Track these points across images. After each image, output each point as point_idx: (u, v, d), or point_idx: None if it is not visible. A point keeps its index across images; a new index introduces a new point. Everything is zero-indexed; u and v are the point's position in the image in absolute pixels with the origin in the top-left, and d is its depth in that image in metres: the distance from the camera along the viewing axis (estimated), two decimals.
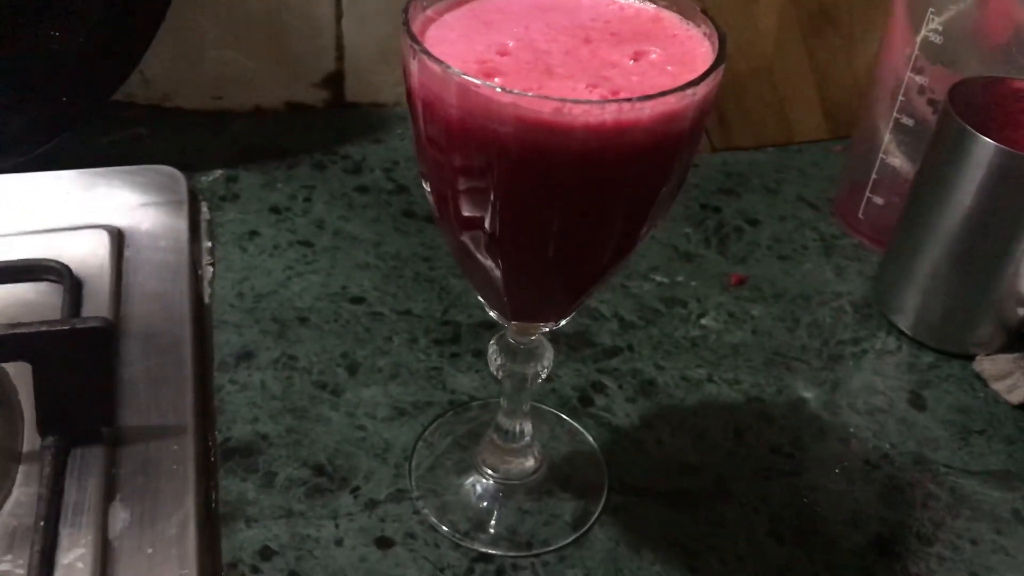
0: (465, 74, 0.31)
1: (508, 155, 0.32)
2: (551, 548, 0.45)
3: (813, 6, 0.69)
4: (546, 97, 0.31)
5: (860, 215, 0.65)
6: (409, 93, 0.35)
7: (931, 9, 0.57)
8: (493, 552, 0.45)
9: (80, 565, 0.40)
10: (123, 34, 0.60)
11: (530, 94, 0.31)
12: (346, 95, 0.72)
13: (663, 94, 0.31)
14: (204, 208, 0.62)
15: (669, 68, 0.34)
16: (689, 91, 0.31)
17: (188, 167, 0.63)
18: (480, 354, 0.54)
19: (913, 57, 0.58)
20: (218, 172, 0.65)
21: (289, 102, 0.72)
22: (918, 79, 0.59)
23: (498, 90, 0.31)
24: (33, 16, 0.58)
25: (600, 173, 0.33)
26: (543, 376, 0.44)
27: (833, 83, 0.73)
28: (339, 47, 0.70)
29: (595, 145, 0.31)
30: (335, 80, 0.72)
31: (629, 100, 0.31)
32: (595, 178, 0.33)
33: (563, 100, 0.30)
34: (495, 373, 0.44)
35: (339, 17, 0.69)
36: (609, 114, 0.31)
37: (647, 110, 0.31)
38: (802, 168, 0.71)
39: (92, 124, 0.65)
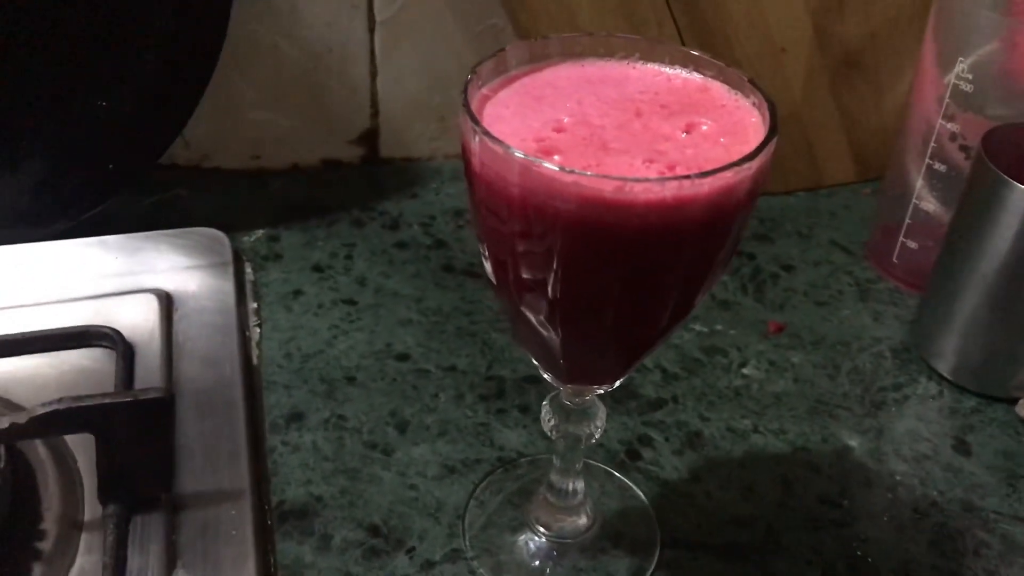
0: (527, 154, 0.32)
1: (569, 230, 0.33)
2: None
3: (840, 54, 0.70)
4: (607, 176, 0.32)
5: (894, 259, 0.65)
6: (468, 169, 0.35)
7: (960, 56, 0.58)
8: None
9: None
10: (168, 101, 0.62)
11: (590, 173, 0.32)
12: (380, 151, 0.74)
13: (720, 169, 0.32)
14: (248, 269, 0.63)
15: (722, 140, 0.35)
16: (746, 165, 0.32)
17: (229, 227, 0.64)
18: (526, 409, 0.54)
19: (944, 104, 0.59)
20: (259, 232, 0.66)
21: (325, 159, 0.73)
22: (949, 126, 0.59)
23: (559, 169, 0.32)
24: (81, 89, 0.60)
25: (659, 246, 0.33)
26: (597, 436, 0.44)
27: (861, 127, 0.74)
28: (374, 104, 0.72)
29: (655, 220, 0.32)
30: (370, 137, 0.73)
31: (688, 177, 0.31)
32: (654, 250, 0.34)
33: (624, 179, 0.31)
34: (548, 433, 0.45)
35: (374, 75, 0.70)
36: (669, 191, 0.31)
37: (705, 186, 0.32)
38: (833, 211, 0.72)
39: (136, 186, 0.67)
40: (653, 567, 0.47)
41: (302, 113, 0.71)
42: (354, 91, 0.71)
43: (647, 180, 0.32)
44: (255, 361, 0.56)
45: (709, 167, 0.32)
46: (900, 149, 0.64)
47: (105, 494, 0.45)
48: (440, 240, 0.67)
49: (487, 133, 0.33)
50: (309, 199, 0.70)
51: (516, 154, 0.32)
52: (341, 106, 0.71)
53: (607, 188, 0.31)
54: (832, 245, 0.69)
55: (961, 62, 0.58)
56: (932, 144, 0.61)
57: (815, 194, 0.74)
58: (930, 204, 0.62)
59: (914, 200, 0.63)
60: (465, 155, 0.35)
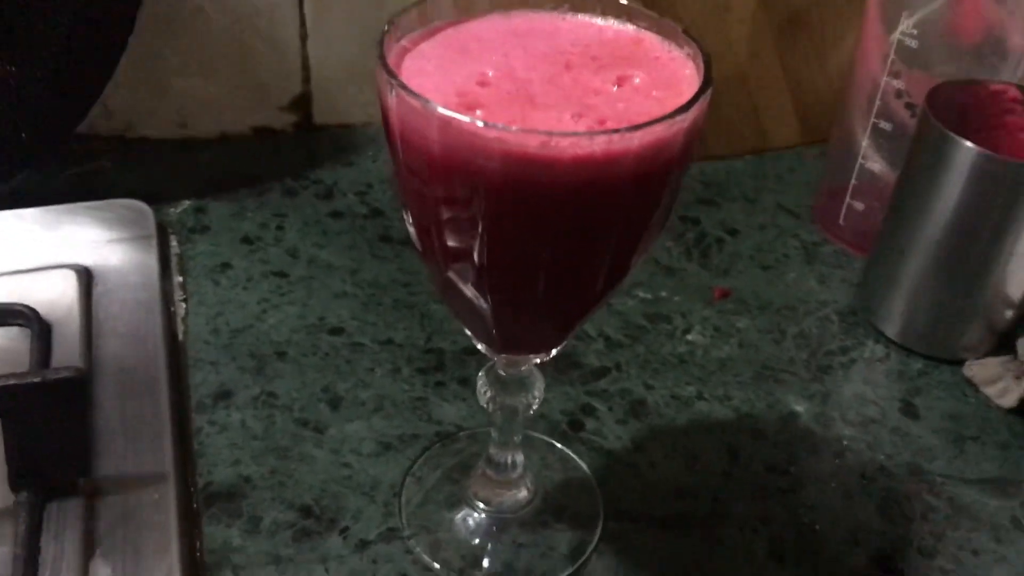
0: (447, 109, 0.30)
1: (494, 189, 0.31)
2: None
3: (784, 13, 0.69)
4: (532, 131, 0.30)
5: (841, 221, 0.64)
6: (387, 127, 0.33)
7: (904, 12, 0.57)
8: None
9: None
10: (83, 66, 0.58)
11: (515, 128, 0.30)
12: (314, 118, 0.71)
13: (652, 123, 0.30)
14: (173, 241, 0.60)
15: (654, 93, 0.33)
16: (679, 118, 0.30)
17: (155, 199, 0.61)
18: (466, 382, 0.53)
19: (889, 61, 0.58)
20: (186, 203, 0.63)
21: (256, 127, 0.70)
22: (895, 83, 0.58)
23: (481, 124, 0.30)
24: None
25: (590, 204, 0.32)
26: (535, 407, 0.43)
27: (806, 88, 0.72)
28: (305, 68, 0.69)
29: (584, 177, 0.30)
30: (302, 103, 0.70)
31: (618, 131, 0.30)
32: (585, 209, 0.32)
33: (550, 133, 0.29)
34: (485, 406, 0.43)
35: (304, 38, 0.68)
36: (598, 146, 0.30)
37: (636, 140, 0.30)
38: (779, 175, 0.71)
39: (54, 159, 0.64)
40: (596, 540, 0.45)
41: (230, 79, 0.68)
42: (284, 55, 0.68)
43: (575, 134, 0.30)
44: (180, 337, 0.54)
45: (641, 121, 0.30)
46: (845, 108, 0.63)
47: (16, 481, 0.43)
48: (377, 209, 0.64)
49: (404, 87, 0.31)
50: (239, 169, 0.67)
51: (435, 109, 0.30)
52: (271, 71, 0.68)
53: (532, 143, 0.29)
54: (778, 209, 0.68)
55: (906, 18, 0.57)
56: (877, 102, 0.60)
57: (761, 157, 0.72)
58: (876, 164, 0.61)
59: (860, 160, 0.62)
60: (383, 111, 0.33)
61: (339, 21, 0.67)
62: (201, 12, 0.65)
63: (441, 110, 0.30)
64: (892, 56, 0.58)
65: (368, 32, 0.68)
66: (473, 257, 0.34)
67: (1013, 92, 0.55)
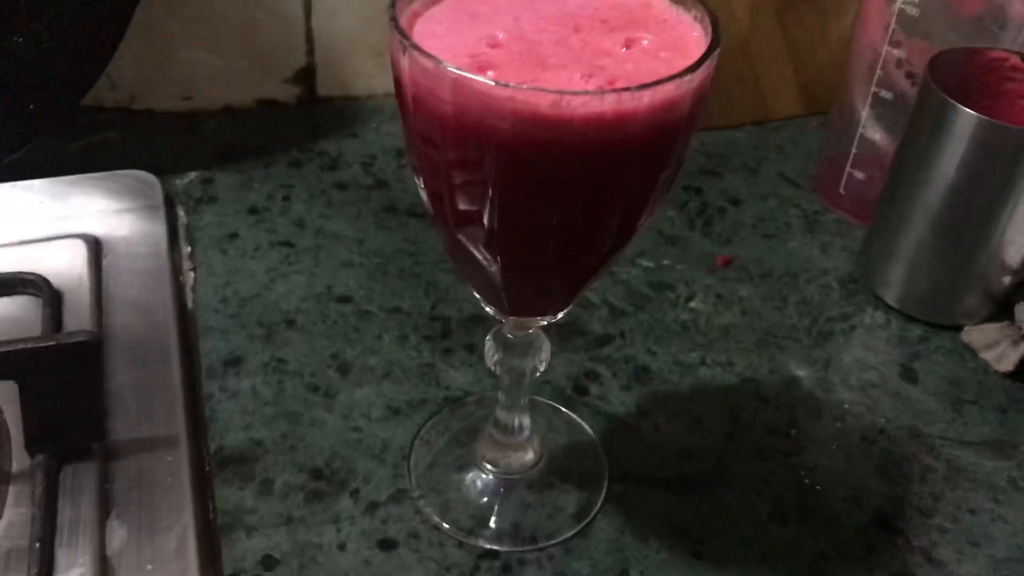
0: (459, 68, 0.30)
1: (505, 149, 0.32)
2: (556, 541, 0.45)
3: None
4: (543, 89, 0.30)
5: (841, 190, 0.65)
6: (399, 89, 0.34)
7: None
8: (498, 548, 0.44)
9: None
10: (89, 38, 0.59)
11: (526, 87, 0.30)
12: (318, 90, 0.71)
13: (661, 82, 0.30)
14: (181, 212, 0.61)
15: (662, 54, 0.34)
16: (687, 77, 0.31)
17: (161, 170, 0.62)
18: (472, 348, 0.53)
19: (890, 30, 0.58)
20: (193, 174, 0.64)
21: (260, 100, 0.71)
22: (896, 52, 0.59)
23: (494, 84, 0.30)
24: None
25: (599, 163, 0.32)
26: (541, 369, 0.43)
27: (808, 59, 0.73)
28: (309, 41, 0.69)
29: (594, 136, 0.31)
30: (307, 75, 0.70)
31: (628, 89, 0.30)
32: (594, 169, 0.32)
33: (561, 92, 0.30)
34: (492, 368, 0.44)
35: (308, 11, 0.68)
36: (608, 105, 0.30)
37: (646, 99, 0.30)
38: (780, 145, 0.71)
39: (61, 131, 0.64)
40: (601, 501, 0.46)
41: (234, 52, 0.68)
42: (288, 28, 0.68)
43: (585, 93, 0.30)
44: (190, 306, 0.54)
45: (650, 81, 0.31)
46: (846, 78, 0.63)
47: (33, 444, 0.44)
48: (381, 180, 0.65)
49: (416, 47, 0.31)
50: (244, 140, 0.67)
51: (448, 68, 0.30)
52: (275, 44, 0.69)
53: (543, 102, 0.30)
54: (780, 178, 0.68)
55: None
56: (878, 71, 0.60)
57: (762, 128, 0.73)
58: (876, 133, 0.62)
59: (860, 130, 0.62)
60: (395, 75, 0.34)
61: None
62: None
63: (454, 70, 0.30)
64: (893, 25, 0.58)
65: (370, 5, 0.68)
66: (484, 219, 0.34)
67: (1014, 60, 0.56)
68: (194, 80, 0.69)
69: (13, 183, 0.59)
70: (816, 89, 0.73)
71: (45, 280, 0.52)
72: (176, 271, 0.56)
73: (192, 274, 0.57)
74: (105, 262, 0.55)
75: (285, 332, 0.53)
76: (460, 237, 0.36)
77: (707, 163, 0.69)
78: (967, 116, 0.51)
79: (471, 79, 0.30)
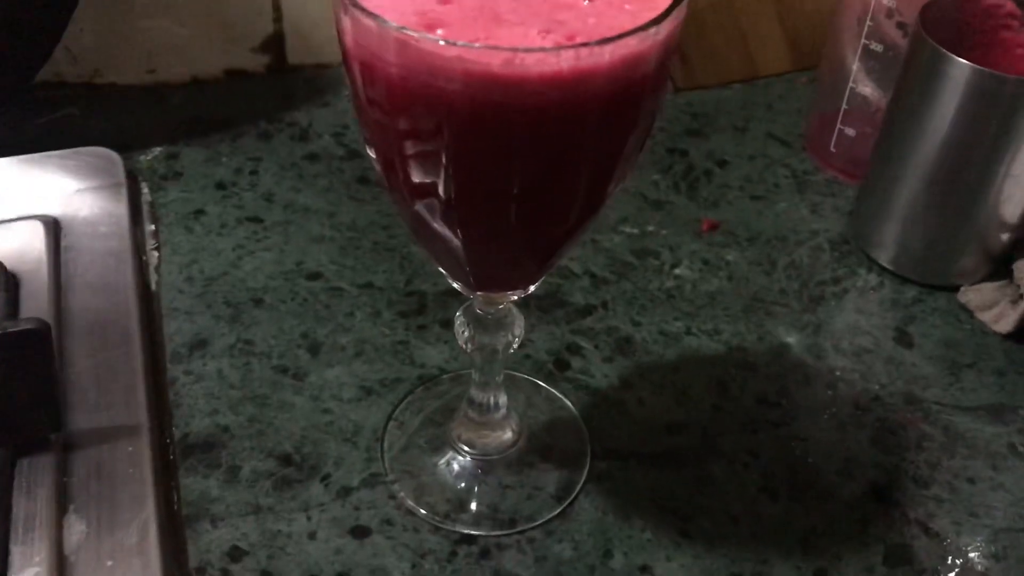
0: (403, 28, 0.28)
1: (457, 114, 0.29)
2: (536, 523, 0.43)
3: None
4: (495, 47, 0.28)
5: (832, 148, 0.62)
6: (344, 53, 0.32)
7: None
8: (476, 532, 0.42)
9: None
10: (39, 8, 0.56)
11: (477, 45, 0.28)
12: (288, 58, 0.69)
13: (623, 36, 0.28)
14: (145, 189, 0.58)
15: (627, 7, 0.31)
16: (652, 30, 0.29)
17: (126, 146, 0.59)
18: (448, 324, 0.51)
19: None
20: (158, 150, 0.61)
21: (228, 70, 0.68)
22: (886, 2, 0.56)
23: (441, 43, 0.28)
24: None
25: (560, 127, 0.30)
26: (515, 346, 0.41)
27: (795, 12, 0.70)
28: (276, 8, 0.66)
29: (552, 97, 0.29)
30: (275, 43, 0.68)
31: (587, 45, 0.28)
32: (555, 133, 0.30)
33: (514, 50, 0.28)
34: (463, 346, 0.42)
35: None
36: (565, 62, 0.28)
37: (607, 55, 0.28)
38: (769, 103, 0.69)
39: (19, 107, 0.62)
40: (583, 480, 0.44)
41: (199, 20, 0.66)
42: None
43: (541, 50, 0.28)
44: (153, 287, 0.52)
45: (612, 36, 0.28)
46: (835, 30, 0.61)
47: None
48: (354, 151, 0.62)
49: (357, 5, 0.29)
50: (211, 113, 0.65)
51: (391, 28, 0.28)
52: (241, 11, 0.66)
53: (495, 61, 0.28)
54: (768, 138, 0.66)
55: None
56: (868, 22, 0.57)
57: (750, 86, 0.70)
58: (867, 88, 0.59)
59: (851, 84, 0.60)
60: (339, 37, 0.31)
61: None
62: None
63: (397, 29, 0.28)
64: None
65: None
66: (440, 190, 0.32)
67: (1009, 7, 0.53)
68: (158, 52, 0.66)
69: None
70: (805, 43, 0.71)
71: (1, 264, 0.49)
72: (139, 251, 0.54)
73: (156, 253, 0.54)
74: (64, 243, 0.52)
75: (253, 311, 0.51)
76: (418, 209, 0.34)
77: (692, 123, 0.66)
78: (961, 66, 0.49)
79: (417, 38, 0.28)
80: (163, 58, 0.66)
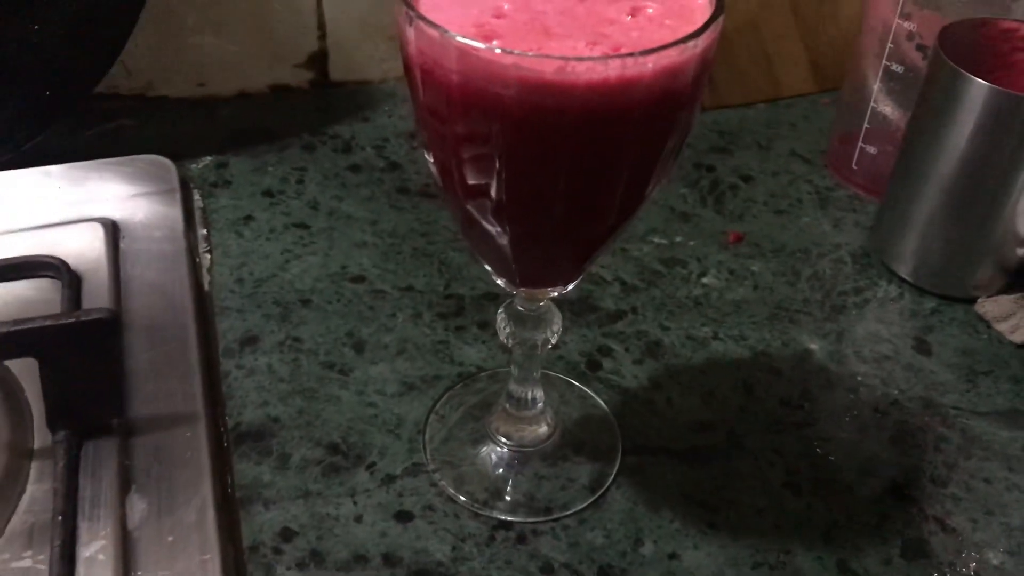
0: (464, 37, 0.31)
1: (511, 118, 0.32)
2: (570, 512, 0.45)
3: None
4: (548, 56, 0.30)
5: (853, 165, 0.65)
6: (406, 62, 0.34)
7: None
8: (512, 519, 0.45)
9: (101, 557, 0.40)
10: (103, 24, 0.59)
11: (531, 54, 0.31)
12: (330, 74, 0.72)
13: (665, 47, 0.31)
14: (196, 196, 0.61)
15: (667, 22, 0.34)
16: (691, 43, 0.31)
17: (177, 156, 0.62)
18: (485, 326, 0.54)
19: (901, 3, 0.58)
20: (208, 159, 0.64)
21: (273, 85, 0.71)
22: (906, 25, 0.59)
23: (498, 51, 0.30)
24: (10, 12, 0.57)
25: (605, 131, 0.32)
26: (553, 342, 0.44)
27: (818, 35, 0.73)
28: (321, 26, 0.70)
29: (599, 103, 0.31)
30: (319, 60, 0.71)
31: (632, 55, 0.30)
32: (600, 137, 0.33)
33: (565, 59, 0.30)
34: (505, 341, 0.44)
35: None
36: (612, 70, 0.30)
37: (649, 64, 0.31)
38: (792, 122, 0.71)
39: (77, 117, 0.65)
40: (615, 472, 0.47)
41: (247, 37, 0.69)
42: (300, 13, 0.69)
43: (590, 59, 0.31)
44: (206, 287, 0.55)
45: (654, 47, 0.31)
46: (857, 53, 0.63)
47: (54, 421, 0.44)
48: (394, 162, 0.65)
49: (422, 17, 0.31)
50: (258, 125, 0.68)
51: (453, 37, 0.31)
52: (287, 28, 0.69)
53: (548, 69, 0.30)
54: (791, 155, 0.68)
55: None
56: (889, 45, 0.60)
57: (774, 105, 0.73)
58: (888, 107, 0.62)
59: (872, 104, 0.62)
60: (402, 47, 0.34)
61: None
62: None
63: (459, 38, 0.31)
64: None
65: None
66: (491, 190, 0.35)
67: None
68: (208, 66, 0.69)
69: (32, 169, 0.59)
70: (827, 66, 0.73)
71: (64, 263, 0.52)
72: (192, 253, 0.56)
73: (208, 256, 0.57)
74: (123, 245, 0.55)
75: (300, 311, 0.54)
76: (470, 208, 0.36)
77: (719, 140, 0.69)
78: (979, 86, 0.51)
79: (476, 47, 0.31)
80: (212, 73, 0.69)
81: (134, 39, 0.62)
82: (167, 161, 0.61)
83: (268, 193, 0.62)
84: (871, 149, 0.63)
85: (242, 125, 0.68)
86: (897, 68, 0.60)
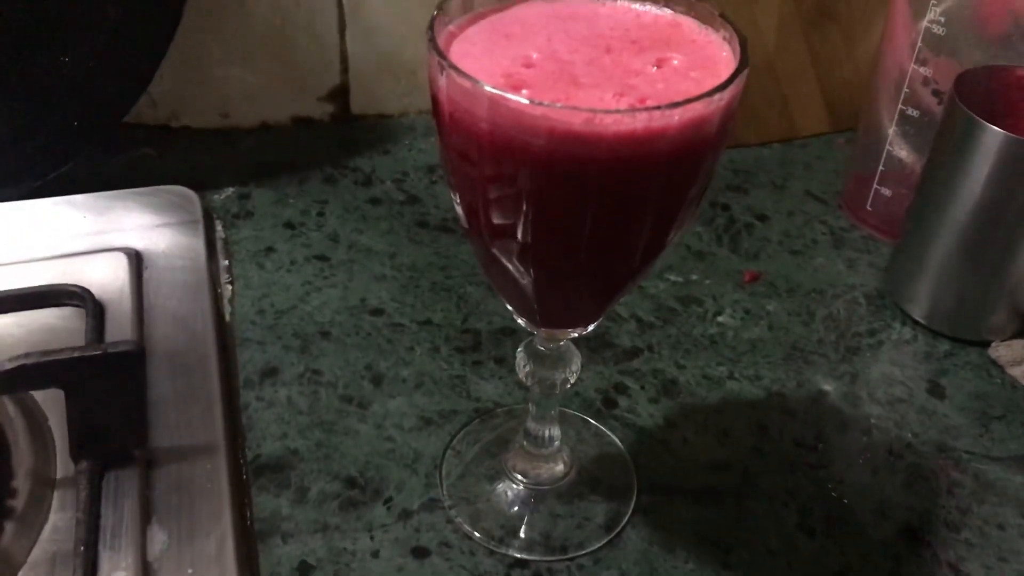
0: (495, 87, 0.31)
1: (539, 166, 0.33)
2: (585, 551, 0.45)
3: (811, 2, 0.70)
4: (576, 108, 0.31)
5: (868, 207, 0.65)
6: (436, 108, 0.35)
7: (933, 2, 0.58)
8: (528, 558, 0.45)
9: None
10: (132, 55, 0.60)
11: (560, 105, 0.31)
12: (352, 108, 0.73)
13: (691, 100, 0.31)
14: (219, 226, 0.62)
15: (692, 74, 0.35)
16: (716, 96, 0.32)
17: (199, 186, 0.63)
18: (502, 361, 0.54)
19: (917, 49, 0.59)
20: (230, 190, 0.65)
21: (296, 117, 0.72)
22: (922, 70, 0.59)
23: (528, 102, 0.31)
24: (42, 43, 0.58)
25: (630, 180, 0.33)
26: (572, 381, 0.44)
27: (834, 76, 0.73)
28: (343, 60, 0.71)
29: (626, 153, 0.32)
30: (340, 93, 0.72)
31: (659, 108, 0.31)
32: (625, 185, 0.33)
33: (593, 111, 0.31)
34: (524, 380, 0.45)
35: (342, 30, 0.69)
36: (639, 122, 0.31)
37: (676, 117, 0.31)
38: (807, 162, 0.72)
39: (102, 147, 0.66)
40: (630, 512, 0.47)
41: (270, 70, 0.70)
42: (322, 47, 0.70)
43: (617, 112, 0.31)
44: (227, 318, 0.56)
45: (680, 100, 0.32)
46: (873, 96, 0.64)
47: (77, 450, 0.45)
48: (414, 196, 0.66)
49: (454, 67, 0.32)
50: (280, 157, 0.69)
51: (484, 87, 0.32)
52: (310, 62, 0.70)
53: (576, 120, 0.31)
54: (806, 195, 0.69)
55: (934, 6, 0.58)
56: (905, 90, 0.61)
57: (789, 145, 0.74)
58: (903, 151, 0.62)
59: (887, 147, 0.63)
60: (433, 93, 0.35)
61: (376, 13, 0.69)
62: (242, 4, 0.67)
63: (490, 89, 0.31)
64: (919, 44, 0.59)
65: (403, 24, 0.70)
66: (518, 232, 0.35)
67: None
68: (231, 98, 0.70)
69: (57, 198, 0.60)
70: (842, 106, 0.74)
71: (88, 292, 0.53)
72: (214, 284, 0.57)
73: (229, 287, 0.58)
74: (146, 275, 0.56)
75: (320, 343, 0.55)
76: (495, 251, 0.37)
77: (734, 179, 0.69)
78: (994, 133, 0.52)
79: (507, 97, 0.31)
80: (236, 104, 0.71)
81: (160, 69, 0.63)
82: (191, 192, 0.62)
83: (289, 225, 0.63)
84: (886, 191, 0.64)
85: (265, 156, 0.69)
86: (912, 112, 0.61)
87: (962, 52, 0.58)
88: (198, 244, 0.58)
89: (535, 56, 0.35)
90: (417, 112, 0.73)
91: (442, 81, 0.33)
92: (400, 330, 0.56)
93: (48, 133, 0.60)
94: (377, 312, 0.57)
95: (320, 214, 0.64)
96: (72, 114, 0.60)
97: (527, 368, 0.44)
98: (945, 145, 0.55)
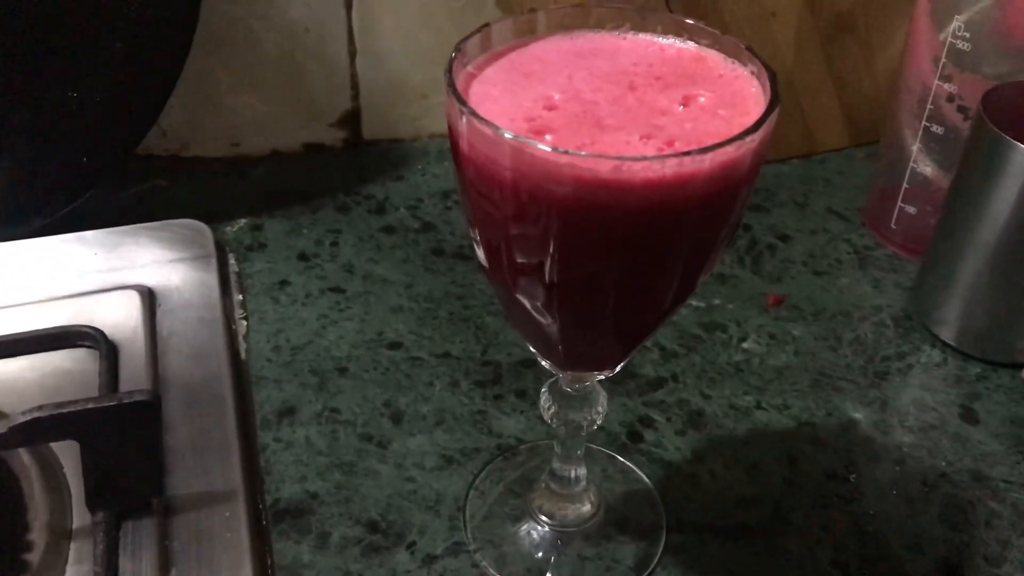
0: (518, 136, 0.30)
1: (564, 213, 0.31)
2: None
3: (830, 17, 0.68)
4: (604, 156, 0.30)
5: (892, 225, 0.64)
6: (456, 151, 0.34)
7: (956, 15, 0.56)
8: None
9: None
10: (141, 89, 0.60)
11: (584, 153, 0.30)
12: (363, 133, 0.72)
13: (722, 144, 0.30)
14: (232, 260, 0.61)
15: (721, 112, 0.33)
16: (748, 138, 0.31)
17: (211, 217, 0.62)
18: (523, 394, 0.53)
19: (940, 64, 0.58)
20: (242, 221, 0.64)
21: (307, 144, 0.71)
22: (947, 87, 0.58)
23: (552, 150, 0.30)
24: (50, 80, 0.57)
25: (660, 224, 0.32)
26: (599, 422, 0.43)
27: (853, 91, 0.72)
28: (354, 85, 0.70)
29: (655, 199, 0.31)
30: (352, 119, 0.71)
31: (689, 154, 0.30)
32: (655, 230, 0.32)
33: (621, 158, 0.30)
34: (549, 421, 0.43)
35: (353, 55, 0.68)
36: (669, 169, 0.30)
37: (707, 162, 0.30)
38: (827, 178, 0.71)
39: (112, 180, 0.65)
40: (660, 552, 0.46)
41: (281, 97, 0.69)
42: (333, 72, 0.69)
43: (645, 159, 0.30)
44: (243, 355, 0.55)
45: (709, 141, 0.31)
46: (895, 112, 0.63)
47: (94, 501, 0.44)
48: (428, 223, 0.65)
49: (475, 114, 0.31)
50: (292, 185, 0.68)
51: (506, 135, 0.30)
52: (321, 88, 0.69)
53: (604, 169, 0.30)
54: (828, 213, 0.68)
55: (957, 19, 0.56)
56: (928, 106, 0.59)
57: (809, 161, 0.72)
58: (927, 167, 0.61)
59: (911, 164, 0.62)
60: (452, 137, 0.34)
61: (387, 38, 0.68)
62: (251, 32, 0.66)
63: (512, 136, 0.30)
64: (943, 59, 0.57)
65: (414, 48, 0.69)
66: (543, 277, 0.34)
67: None
68: (242, 126, 0.69)
69: (67, 235, 0.59)
70: (862, 120, 0.73)
71: (101, 333, 0.52)
72: (229, 320, 0.56)
73: (244, 323, 0.57)
74: (159, 313, 0.55)
75: (337, 380, 0.54)
76: (518, 294, 0.36)
77: (754, 198, 0.68)
78: (1022, 151, 0.51)
79: (530, 146, 0.30)
80: (246, 132, 0.70)
81: (169, 100, 0.62)
82: (203, 226, 0.61)
83: (303, 256, 0.62)
84: (910, 209, 0.63)
85: (276, 185, 0.68)
86: (937, 129, 0.59)
87: (987, 66, 0.56)
88: (211, 279, 0.57)
89: (557, 97, 0.34)
90: (429, 136, 0.72)
91: (462, 126, 0.32)
92: (419, 364, 0.55)
93: (57, 170, 0.59)
94: (395, 346, 0.56)
95: (334, 244, 0.63)
96: (81, 150, 0.59)
97: (552, 409, 0.43)
98: (973, 164, 0.54)
